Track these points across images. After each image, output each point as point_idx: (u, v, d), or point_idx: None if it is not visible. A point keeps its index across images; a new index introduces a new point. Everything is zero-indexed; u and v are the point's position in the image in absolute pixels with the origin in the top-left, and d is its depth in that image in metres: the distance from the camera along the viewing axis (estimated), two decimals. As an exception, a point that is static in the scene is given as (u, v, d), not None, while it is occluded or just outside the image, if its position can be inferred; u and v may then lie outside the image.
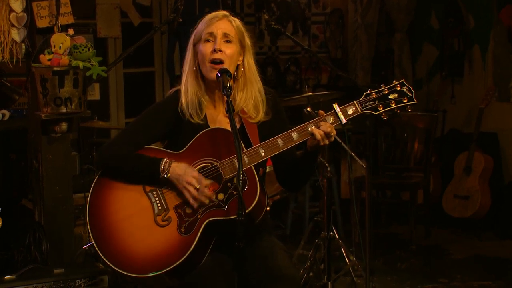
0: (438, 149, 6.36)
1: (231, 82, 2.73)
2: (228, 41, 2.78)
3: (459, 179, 5.82)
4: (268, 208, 2.89)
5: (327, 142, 2.69)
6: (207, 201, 2.67)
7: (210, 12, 2.88)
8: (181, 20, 4.25)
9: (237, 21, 2.84)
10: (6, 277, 3.33)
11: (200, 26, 2.82)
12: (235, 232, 2.46)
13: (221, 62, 2.75)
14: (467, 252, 5.38)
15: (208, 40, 2.78)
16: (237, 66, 2.84)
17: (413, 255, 5.32)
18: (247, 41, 2.85)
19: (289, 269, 2.70)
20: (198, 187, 2.67)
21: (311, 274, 4.39)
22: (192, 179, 2.67)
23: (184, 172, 2.69)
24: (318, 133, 2.67)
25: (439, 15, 6.78)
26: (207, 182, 2.69)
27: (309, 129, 2.70)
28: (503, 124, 6.08)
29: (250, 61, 2.85)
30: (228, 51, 2.77)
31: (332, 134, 2.68)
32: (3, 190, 4.63)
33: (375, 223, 5.43)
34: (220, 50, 2.75)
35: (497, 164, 5.91)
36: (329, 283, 4.21)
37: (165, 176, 2.71)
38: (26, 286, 3.32)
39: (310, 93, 4.88)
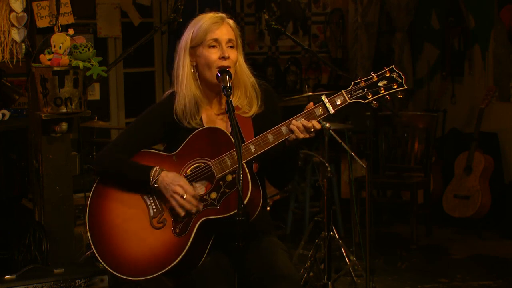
0: (438, 149, 6.36)
1: (231, 82, 2.74)
2: (232, 46, 2.80)
3: (459, 179, 5.82)
4: (268, 208, 2.88)
5: (307, 135, 2.65)
6: (194, 210, 2.67)
7: (210, 12, 2.87)
8: (181, 20, 4.25)
9: (232, 22, 2.84)
10: (6, 277, 3.33)
11: (199, 29, 2.80)
12: (231, 231, 2.46)
13: (228, 67, 2.76)
14: (467, 251, 5.38)
15: (213, 46, 2.78)
16: None
17: (414, 255, 5.31)
18: (239, 39, 2.86)
19: (289, 269, 2.70)
20: (184, 196, 2.66)
21: (311, 274, 4.39)
22: (179, 188, 2.67)
23: (171, 181, 2.70)
24: (296, 126, 2.65)
25: (439, 14, 6.77)
26: (194, 192, 2.68)
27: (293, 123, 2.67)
28: (503, 124, 6.08)
29: (241, 59, 2.86)
30: (233, 56, 2.79)
31: (312, 130, 2.65)
32: (4, 189, 4.63)
33: (375, 223, 5.42)
34: (228, 57, 2.76)
35: (497, 164, 5.91)
36: (329, 283, 4.21)
37: (154, 185, 2.72)
38: (26, 286, 3.31)
39: (311, 93, 4.89)
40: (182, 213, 2.67)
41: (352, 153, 4.33)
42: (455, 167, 5.87)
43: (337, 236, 4.38)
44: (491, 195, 5.73)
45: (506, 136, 6.08)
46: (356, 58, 7.05)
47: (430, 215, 5.79)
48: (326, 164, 4.30)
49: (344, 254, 4.47)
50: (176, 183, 2.68)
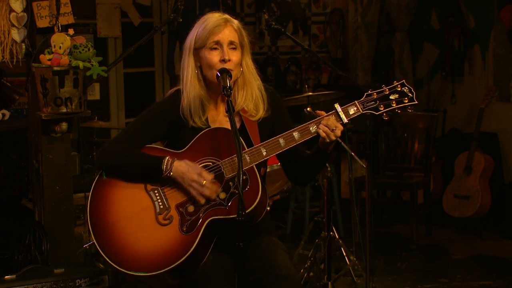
0: (438, 149, 6.36)
1: (231, 82, 2.74)
2: (234, 48, 2.80)
3: (459, 179, 5.82)
4: (268, 208, 2.88)
5: (333, 137, 2.70)
6: (214, 196, 2.67)
7: (215, 13, 2.86)
8: (181, 20, 4.25)
9: (236, 23, 2.84)
10: (6, 277, 3.33)
11: (203, 31, 2.79)
12: (234, 231, 2.46)
13: (230, 70, 2.76)
14: (467, 251, 5.38)
15: (214, 48, 2.78)
16: None
17: (414, 255, 5.31)
18: (246, 40, 2.85)
19: (289, 269, 2.70)
20: (203, 183, 2.66)
21: (311, 274, 4.39)
22: (197, 176, 2.66)
23: (187, 169, 2.68)
24: (322, 130, 2.70)
25: (439, 14, 6.78)
26: (211, 176, 2.68)
27: (311, 128, 2.71)
28: (503, 124, 6.08)
29: (248, 60, 2.86)
30: (234, 58, 2.79)
31: (335, 128, 2.69)
32: (4, 189, 4.63)
33: (375, 223, 5.43)
34: (229, 60, 2.76)
35: (497, 164, 5.91)
36: (329, 283, 4.21)
37: (168, 175, 2.70)
38: (26, 286, 3.32)
39: (310, 93, 4.89)
40: (203, 201, 2.67)
41: (352, 153, 4.33)
42: (455, 167, 5.87)
43: (337, 236, 4.38)
44: (491, 195, 5.73)
45: (506, 136, 6.08)
46: (356, 58, 7.05)
47: (430, 215, 5.79)
48: (326, 164, 4.30)
49: (344, 254, 4.46)
50: (193, 171, 2.67)
